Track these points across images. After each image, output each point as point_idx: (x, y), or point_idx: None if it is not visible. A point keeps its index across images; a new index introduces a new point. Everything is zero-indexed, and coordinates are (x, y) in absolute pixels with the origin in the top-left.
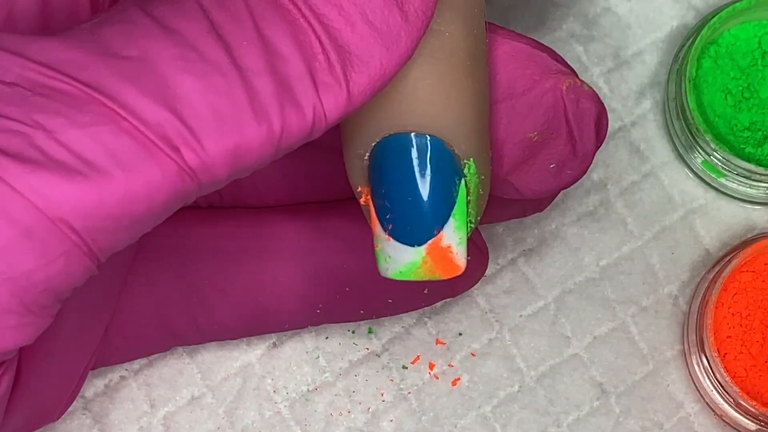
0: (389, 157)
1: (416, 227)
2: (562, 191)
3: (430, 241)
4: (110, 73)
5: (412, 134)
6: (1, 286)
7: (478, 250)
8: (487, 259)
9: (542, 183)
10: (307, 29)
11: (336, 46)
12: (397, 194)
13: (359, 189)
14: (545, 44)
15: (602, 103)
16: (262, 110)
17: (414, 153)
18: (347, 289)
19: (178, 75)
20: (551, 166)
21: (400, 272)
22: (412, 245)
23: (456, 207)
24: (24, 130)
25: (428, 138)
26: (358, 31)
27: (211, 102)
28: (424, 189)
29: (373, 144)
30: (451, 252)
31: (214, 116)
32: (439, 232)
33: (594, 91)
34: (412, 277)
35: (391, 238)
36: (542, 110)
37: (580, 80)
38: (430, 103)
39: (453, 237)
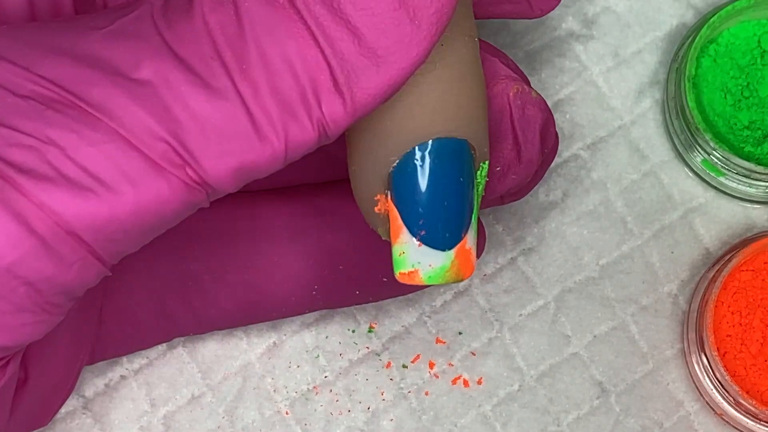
0: (430, 162)
1: (451, 232)
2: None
3: (458, 244)
4: (117, 94)
5: (451, 139)
6: (21, 289)
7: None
8: (485, 241)
9: (486, 186)
10: (313, 44)
11: (341, 59)
12: (435, 199)
13: (377, 197)
14: (498, 48)
15: (549, 111)
16: (265, 131)
17: (455, 157)
18: (341, 267)
19: (181, 100)
20: (496, 169)
21: (429, 277)
22: (444, 250)
23: (474, 208)
24: (38, 146)
25: (465, 142)
26: (365, 43)
27: (213, 126)
28: (462, 193)
29: (405, 151)
30: (471, 253)
31: (216, 140)
32: (465, 234)
33: (542, 98)
34: (440, 281)
35: (422, 245)
36: (489, 114)
37: (529, 87)
38: (458, 108)
39: (472, 238)
